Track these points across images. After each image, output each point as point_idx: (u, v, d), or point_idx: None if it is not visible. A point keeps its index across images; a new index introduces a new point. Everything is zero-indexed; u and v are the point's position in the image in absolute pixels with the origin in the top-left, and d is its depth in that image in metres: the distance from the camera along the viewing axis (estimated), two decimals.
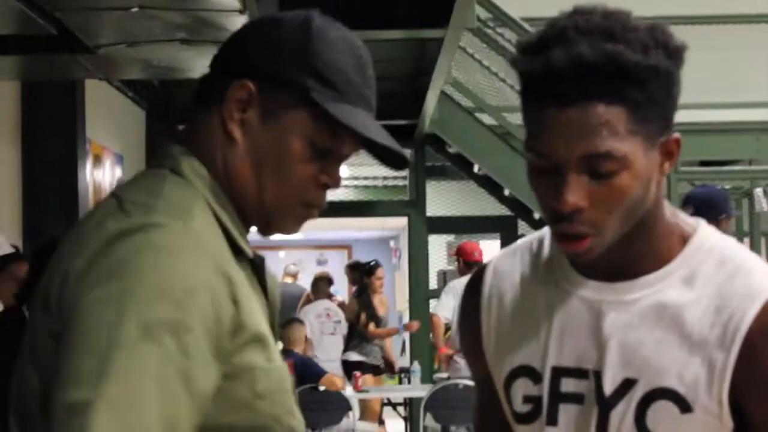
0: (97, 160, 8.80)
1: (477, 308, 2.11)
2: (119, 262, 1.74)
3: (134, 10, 4.94)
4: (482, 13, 11.04)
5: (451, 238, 14.17)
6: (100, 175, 8.89)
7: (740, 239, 12.04)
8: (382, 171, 14.40)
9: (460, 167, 12.58)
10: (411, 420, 12.71)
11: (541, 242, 2.09)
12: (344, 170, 14.11)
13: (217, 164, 1.93)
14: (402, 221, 13.61)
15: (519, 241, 2.17)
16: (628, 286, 1.95)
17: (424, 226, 12.90)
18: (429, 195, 13.00)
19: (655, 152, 1.86)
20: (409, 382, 13.35)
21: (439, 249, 14.50)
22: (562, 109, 1.79)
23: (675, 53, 1.83)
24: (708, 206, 5.85)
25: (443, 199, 14.13)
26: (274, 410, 1.87)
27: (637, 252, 1.94)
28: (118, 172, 9.49)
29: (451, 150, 12.22)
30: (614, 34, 1.78)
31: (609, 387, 1.91)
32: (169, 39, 5.48)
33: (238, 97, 1.91)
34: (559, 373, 1.97)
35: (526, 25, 10.90)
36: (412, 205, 12.89)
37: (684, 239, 1.96)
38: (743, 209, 12.12)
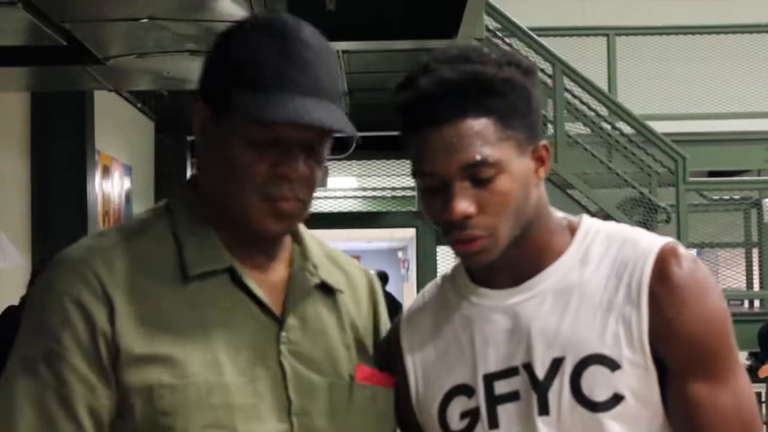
0: (106, 171, 8.80)
1: (401, 359, 2.19)
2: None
3: (143, 21, 4.92)
4: (491, 23, 11.05)
5: None
6: (109, 186, 8.91)
7: (749, 249, 12.04)
8: (391, 182, 14.43)
9: None
10: None
11: (445, 277, 2.26)
12: (352, 181, 14.28)
13: (200, 187, 2.09)
14: (410, 232, 13.63)
15: (426, 286, 2.32)
16: (533, 283, 2.08)
17: (432, 237, 12.93)
18: None
19: (527, 158, 2.04)
20: None
21: (446, 259, 14.48)
22: (435, 128, 1.98)
23: (527, 71, 2.05)
24: None
25: None
26: (187, 425, 1.91)
27: (532, 252, 2.08)
28: (127, 183, 9.51)
29: None
30: (470, 58, 2.01)
31: (541, 372, 2.01)
32: (178, 50, 5.47)
33: (195, 123, 2.04)
34: (490, 379, 2.05)
35: (534, 35, 10.87)
36: (420, 216, 12.81)
37: (572, 230, 2.13)
38: (751, 220, 12.10)
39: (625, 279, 2.02)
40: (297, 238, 2.15)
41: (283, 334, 2.02)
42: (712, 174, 12.40)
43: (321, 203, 14.15)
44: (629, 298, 2.01)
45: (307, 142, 2.00)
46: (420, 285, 12.81)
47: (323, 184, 12.64)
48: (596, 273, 2.05)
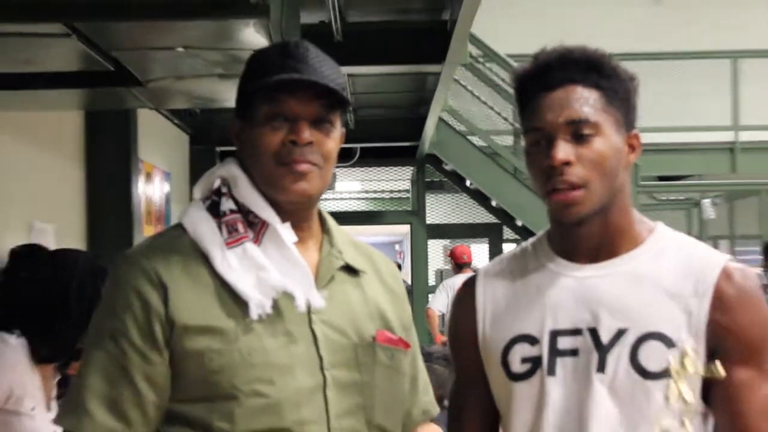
0: (148, 177, 8.80)
1: (472, 302, 2.17)
2: None
3: (179, 49, 4.91)
4: (473, 50, 11.06)
5: (446, 242, 14.11)
6: (151, 190, 8.91)
7: None
8: (389, 186, 14.43)
9: (454, 182, 12.53)
10: None
11: (525, 248, 2.21)
12: (357, 185, 14.26)
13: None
14: (405, 228, 13.59)
15: (503, 254, 2.29)
16: (609, 263, 2.06)
17: (424, 232, 12.89)
18: (428, 205, 13.00)
19: (622, 138, 2.04)
20: None
21: (437, 251, 14.48)
22: (549, 91, 2.01)
23: (631, 77, 2.09)
24: None
25: (440, 209, 14.11)
26: (230, 379, 1.94)
27: (614, 233, 2.06)
28: (167, 187, 9.51)
29: (447, 167, 12.15)
30: (586, 48, 2.06)
31: (606, 337, 1.99)
32: (209, 74, 5.45)
33: (231, 132, 2.14)
34: (556, 334, 2.03)
35: (510, 61, 10.87)
36: (414, 214, 12.87)
37: (650, 230, 2.10)
38: (693, 217, 12.11)
39: (693, 276, 2.01)
40: (325, 229, 2.16)
41: (316, 305, 2.03)
42: (660, 178, 12.39)
43: (330, 204, 14.16)
44: (695, 293, 1.99)
45: (312, 116, 2.03)
46: (414, 271, 12.75)
47: (332, 187, 12.70)
48: (668, 267, 2.03)
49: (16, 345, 3.40)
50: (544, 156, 1.99)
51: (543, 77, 2.02)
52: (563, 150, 1.97)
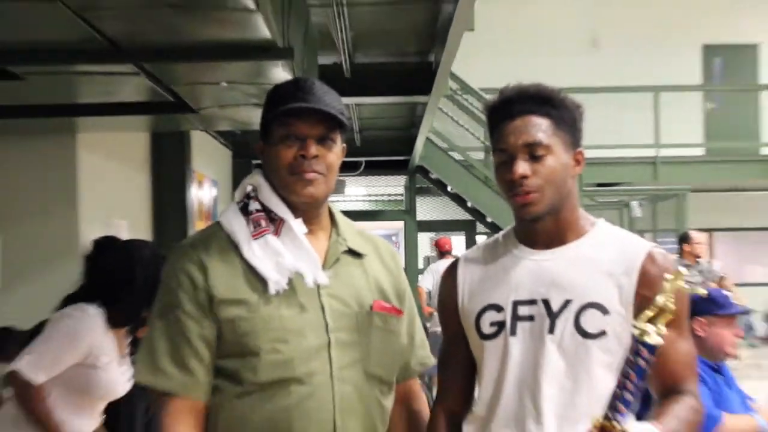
0: (200, 184, 8.76)
1: (455, 281, 2.17)
2: None
3: (224, 84, 4.92)
4: (453, 85, 11.05)
5: (432, 234, 14.04)
6: (202, 194, 8.86)
7: None
8: (387, 191, 14.38)
9: (438, 188, 12.47)
10: None
11: (496, 239, 2.19)
12: (362, 190, 14.21)
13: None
14: (400, 224, 13.54)
15: (479, 243, 2.28)
16: (559, 250, 2.05)
17: (414, 227, 12.84)
18: (418, 206, 12.95)
19: (570, 156, 2.03)
20: None
21: (424, 242, 14.45)
22: (512, 119, 2.02)
23: (576, 105, 2.07)
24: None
25: (427, 209, 14.07)
26: (255, 341, 1.95)
27: (563, 227, 2.05)
28: (214, 192, 9.48)
29: (432, 176, 12.11)
30: (540, 85, 2.06)
31: (555, 306, 1.99)
32: (246, 103, 5.45)
33: (257, 150, 2.13)
34: (517, 304, 2.03)
35: (482, 93, 10.87)
36: (407, 213, 12.83)
37: (592, 224, 2.10)
38: (624, 216, 12.10)
39: (625, 260, 2.00)
40: (334, 223, 2.15)
41: (322, 282, 2.03)
42: (599, 185, 12.39)
43: (342, 205, 14.13)
44: (626, 272, 1.99)
45: (317, 135, 2.02)
46: (406, 258, 12.62)
47: (342, 192, 12.68)
48: (605, 253, 2.02)
49: (94, 314, 3.42)
50: (508, 171, 2.00)
51: (506, 109, 2.03)
52: (522, 167, 1.98)
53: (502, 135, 2.03)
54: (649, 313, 1.83)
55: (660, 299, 1.83)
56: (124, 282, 3.47)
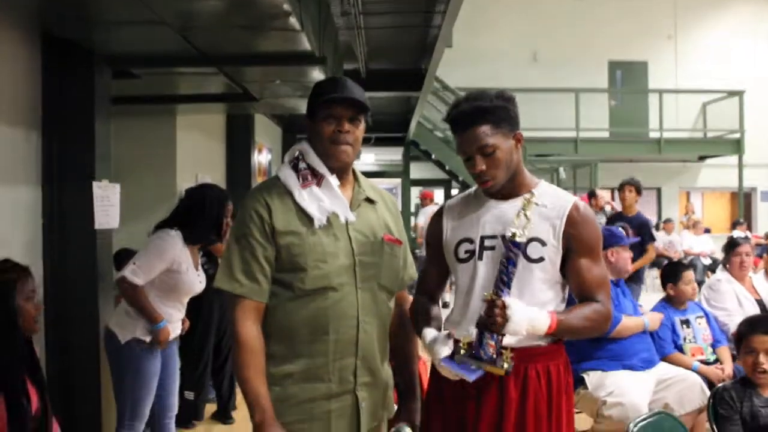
0: (260, 150, 8.72)
1: (440, 220, 2.13)
2: None
3: (278, 82, 4.88)
4: (437, 85, 11.01)
5: (420, 188, 14.03)
6: (261, 158, 8.84)
7: None
8: (389, 158, 14.30)
9: (426, 156, 12.43)
10: None
11: (470, 192, 2.14)
12: (372, 157, 14.11)
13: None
14: (398, 180, 13.50)
15: (459, 194, 2.20)
16: (512, 201, 2.01)
17: (408, 183, 12.74)
18: (411, 169, 12.88)
19: (511, 139, 1.97)
20: None
21: (415, 194, 14.43)
22: (463, 132, 1.96)
23: (509, 98, 1.98)
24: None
25: (417, 171, 14.00)
26: (304, 260, 1.91)
27: (515, 185, 2.01)
28: (269, 156, 9.45)
29: (422, 148, 12.07)
30: (480, 96, 1.96)
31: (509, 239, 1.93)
32: (293, 95, 5.43)
33: (307, 126, 2.02)
34: (483, 238, 2.00)
35: (457, 91, 10.77)
36: (403, 173, 12.72)
37: (536, 183, 2.04)
38: (554, 179, 12.05)
39: (558, 207, 1.97)
40: (356, 179, 2.10)
41: (350, 220, 2.01)
42: (537, 156, 12.33)
43: (359, 167, 13.94)
44: (558, 216, 1.96)
45: (349, 115, 1.97)
46: (402, 206, 12.41)
47: (359, 158, 12.58)
48: (544, 202, 1.97)
49: (174, 235, 3.42)
50: (471, 166, 1.97)
51: (458, 123, 1.97)
52: (479, 164, 1.95)
53: (459, 144, 1.97)
54: (517, 223, 1.90)
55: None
56: (197, 212, 3.46)
